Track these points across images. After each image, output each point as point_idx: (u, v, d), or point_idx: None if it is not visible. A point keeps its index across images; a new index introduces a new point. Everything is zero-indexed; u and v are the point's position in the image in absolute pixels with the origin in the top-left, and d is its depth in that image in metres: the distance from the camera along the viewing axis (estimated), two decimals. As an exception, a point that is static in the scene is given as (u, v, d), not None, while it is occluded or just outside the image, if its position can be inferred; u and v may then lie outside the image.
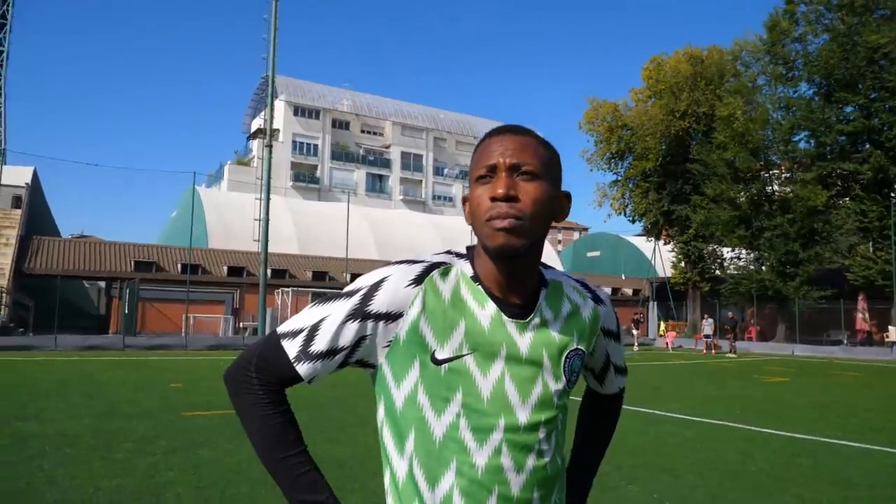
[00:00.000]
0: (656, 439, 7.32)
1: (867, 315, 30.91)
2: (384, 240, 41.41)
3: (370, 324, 1.07)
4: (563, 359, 1.14)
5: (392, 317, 1.07)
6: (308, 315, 1.11)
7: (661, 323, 37.65)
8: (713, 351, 27.63)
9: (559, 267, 22.45)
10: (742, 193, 33.93)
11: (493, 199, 1.05)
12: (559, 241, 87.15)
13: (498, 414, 1.07)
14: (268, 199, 25.59)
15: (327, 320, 1.08)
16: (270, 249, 27.54)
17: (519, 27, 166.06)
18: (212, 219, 39.22)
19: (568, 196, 1.18)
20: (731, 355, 25.86)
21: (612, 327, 1.29)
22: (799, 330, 31.65)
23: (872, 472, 5.99)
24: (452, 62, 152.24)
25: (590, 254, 52.82)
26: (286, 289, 30.73)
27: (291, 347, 1.09)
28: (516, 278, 1.11)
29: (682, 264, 38.97)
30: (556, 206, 1.13)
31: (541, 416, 1.10)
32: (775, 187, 34.17)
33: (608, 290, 41.15)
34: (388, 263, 1.13)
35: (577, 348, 1.17)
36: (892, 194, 29.80)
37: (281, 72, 57.82)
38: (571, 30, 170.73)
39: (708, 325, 27.91)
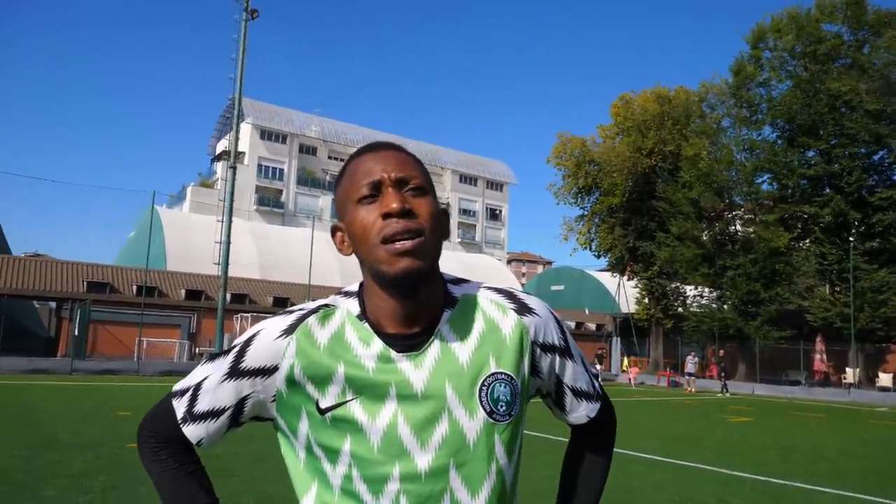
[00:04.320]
0: (626, 481, 7.03)
1: (825, 356, 31.39)
2: (348, 268, 40.86)
3: (247, 382, 1.03)
4: (478, 387, 1.00)
5: (266, 371, 1.02)
6: (195, 373, 1.08)
7: (625, 358, 37.71)
8: (692, 388, 27.56)
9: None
10: (706, 232, 34.41)
11: (387, 216, 0.96)
12: (523, 275, 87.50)
13: (391, 462, 0.97)
14: (230, 221, 24.94)
15: (208, 380, 1.05)
16: (231, 273, 26.83)
17: (492, 61, 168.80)
18: (171, 240, 38.28)
19: (447, 213, 1.06)
20: (720, 395, 25.75)
21: (552, 340, 1.09)
22: (759, 369, 31.94)
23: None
24: (423, 93, 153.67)
25: (554, 287, 52.94)
26: (245, 314, 29.98)
27: (179, 407, 1.07)
28: (413, 308, 1.00)
29: (646, 300, 39.23)
30: (444, 223, 1.03)
31: (449, 460, 0.97)
32: (738, 227, 34.79)
33: (572, 325, 41.19)
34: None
35: (496, 372, 1.02)
36: (851, 238, 30.52)
37: (249, 95, 57.65)
38: (543, 64, 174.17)
39: (692, 363, 27.88)
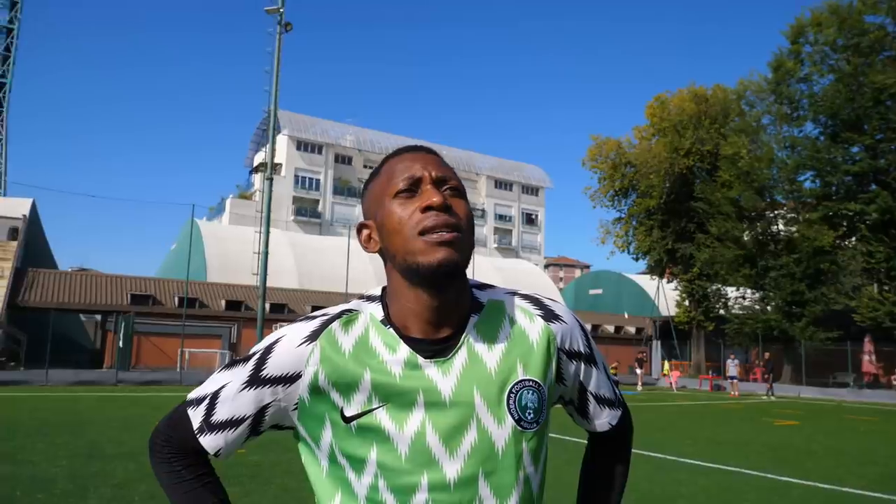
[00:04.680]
0: (669, 488, 6.87)
1: (874, 357, 30.34)
2: (383, 274, 40.95)
3: (268, 390, 1.00)
4: (506, 394, 0.99)
5: (289, 379, 1.00)
6: (212, 381, 1.05)
7: (665, 362, 37.04)
8: (735, 392, 27.01)
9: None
10: (747, 232, 33.69)
11: (427, 209, 0.95)
12: (560, 279, 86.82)
13: (419, 471, 0.95)
14: (268, 232, 25.32)
15: (226, 388, 1.02)
16: (270, 283, 27.19)
17: (525, 64, 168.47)
18: (211, 252, 39.00)
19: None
20: (766, 397, 25.23)
21: (578, 347, 1.08)
22: (805, 371, 31.05)
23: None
24: (457, 100, 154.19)
25: (592, 291, 52.35)
26: (284, 323, 30.23)
27: (196, 417, 1.04)
28: (442, 309, 0.99)
29: (686, 303, 38.53)
30: (474, 229, 1.04)
31: (478, 468, 0.96)
32: (780, 227, 33.94)
33: (611, 329, 40.66)
34: None
35: (524, 379, 1.01)
36: (900, 235, 29.49)
37: (284, 106, 58.57)
38: (577, 67, 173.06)
39: (733, 366, 27.44)
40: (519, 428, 0.99)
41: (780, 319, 31.39)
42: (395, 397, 0.97)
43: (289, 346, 1.00)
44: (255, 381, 1.00)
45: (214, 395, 1.03)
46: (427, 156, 1.03)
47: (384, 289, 1.07)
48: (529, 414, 1.00)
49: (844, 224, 32.14)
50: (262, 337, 24.84)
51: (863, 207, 29.73)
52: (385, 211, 1.00)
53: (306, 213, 59.91)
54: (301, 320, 1.04)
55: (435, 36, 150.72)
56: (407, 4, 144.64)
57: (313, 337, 1.00)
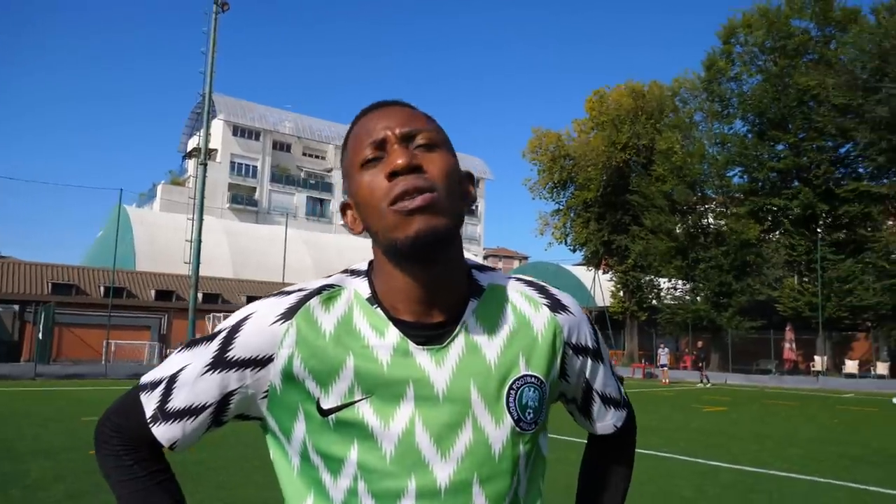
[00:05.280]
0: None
1: (794, 345, 31.90)
2: (323, 264, 40.55)
3: (234, 374, 0.86)
4: (506, 391, 0.88)
5: (259, 362, 0.86)
6: (169, 363, 0.91)
7: (600, 352, 37.88)
8: (666, 380, 27.79)
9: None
10: (679, 225, 34.81)
11: (393, 175, 0.83)
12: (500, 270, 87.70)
13: (405, 474, 0.84)
14: (201, 219, 24.51)
15: (186, 371, 0.89)
16: (203, 273, 26.39)
17: (466, 57, 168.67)
18: (140, 239, 37.63)
19: (471, 177, 0.93)
20: (701, 385, 26.00)
21: (585, 342, 0.98)
22: (731, 359, 32.36)
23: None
24: (398, 91, 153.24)
25: (530, 282, 52.96)
26: (218, 314, 29.54)
27: (149, 403, 0.90)
28: (434, 287, 0.87)
29: (621, 294, 39.51)
30: (464, 185, 0.90)
31: (473, 473, 0.85)
32: (710, 220, 35.22)
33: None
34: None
35: (526, 375, 0.90)
36: (818, 230, 31.11)
37: (221, 90, 56.81)
38: (518, 60, 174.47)
39: (664, 355, 28.14)
40: (517, 429, 0.89)
41: (709, 309, 32.59)
42: (382, 388, 0.85)
43: (260, 324, 0.87)
44: (220, 363, 0.87)
45: (171, 379, 0.89)
46: (393, 110, 0.90)
47: (371, 263, 0.94)
48: (529, 414, 0.90)
49: (769, 218, 33.64)
50: (193, 328, 24.10)
51: (786, 203, 31.18)
52: (355, 184, 0.88)
53: (242, 200, 58.49)
54: (275, 295, 0.91)
55: (377, 27, 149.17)
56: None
57: (289, 315, 0.87)
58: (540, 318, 0.94)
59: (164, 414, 0.89)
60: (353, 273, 0.94)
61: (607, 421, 1.05)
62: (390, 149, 0.85)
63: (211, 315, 29.48)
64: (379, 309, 0.88)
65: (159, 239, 37.33)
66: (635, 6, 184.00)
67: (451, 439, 0.85)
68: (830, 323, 30.08)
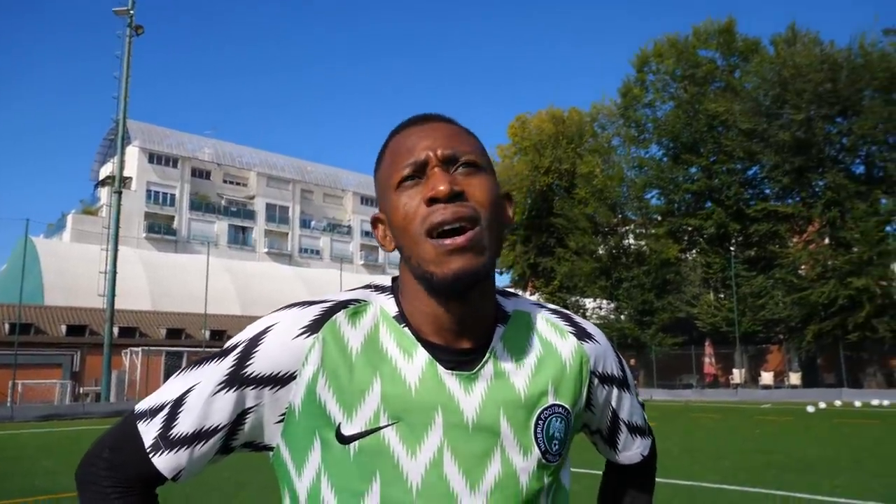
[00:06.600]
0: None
1: (714, 359, 33.24)
2: (247, 294, 39.44)
3: (251, 392, 0.79)
4: (534, 421, 0.83)
5: (279, 380, 0.79)
6: (171, 387, 0.82)
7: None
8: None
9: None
10: (602, 246, 35.93)
11: (433, 201, 0.78)
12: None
13: None
14: (115, 249, 23.42)
15: (194, 392, 0.79)
16: (119, 305, 25.14)
17: (392, 80, 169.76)
18: (49, 272, 35.55)
19: (509, 197, 0.90)
20: None
21: (612, 371, 0.94)
22: (656, 375, 33.37)
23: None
24: (323, 115, 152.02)
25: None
26: (136, 348, 28.11)
27: (148, 431, 0.80)
28: (465, 317, 0.82)
29: (548, 315, 40.17)
30: (504, 208, 0.86)
31: None
32: (631, 241, 36.48)
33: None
34: (255, 318, 0.85)
35: (554, 405, 0.85)
36: (732, 248, 32.75)
37: (136, 117, 54.80)
38: (439, 84, 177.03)
39: None
40: (544, 461, 0.84)
41: (633, 327, 33.60)
42: (409, 414, 0.78)
43: (283, 337, 0.79)
44: (236, 380, 0.78)
45: (177, 403, 0.79)
46: (436, 127, 0.84)
47: (395, 279, 0.89)
48: (555, 445, 0.85)
49: (686, 238, 35.19)
50: (109, 364, 22.82)
51: (701, 223, 32.74)
52: (390, 205, 0.82)
53: (160, 229, 56.25)
54: (296, 306, 0.83)
55: (299, 48, 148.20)
56: (267, 15, 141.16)
57: (315, 327, 0.80)
58: (567, 346, 0.90)
59: (167, 441, 0.79)
60: (378, 289, 0.88)
61: (634, 450, 1.01)
62: (430, 172, 0.80)
63: (128, 350, 28.07)
64: (407, 329, 0.83)
65: (70, 271, 35.37)
66: (554, 34, 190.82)
67: (480, 471, 0.79)
68: (746, 337, 31.56)
